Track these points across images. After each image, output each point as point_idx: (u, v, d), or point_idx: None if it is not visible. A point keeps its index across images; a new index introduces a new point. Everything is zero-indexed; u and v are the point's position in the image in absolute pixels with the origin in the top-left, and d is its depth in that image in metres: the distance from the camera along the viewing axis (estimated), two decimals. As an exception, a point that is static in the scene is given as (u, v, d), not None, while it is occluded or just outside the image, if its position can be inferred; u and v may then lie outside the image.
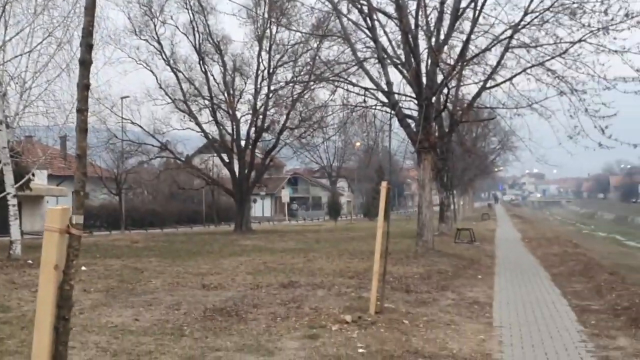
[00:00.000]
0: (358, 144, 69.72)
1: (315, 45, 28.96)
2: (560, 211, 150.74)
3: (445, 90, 21.24)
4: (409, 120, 21.14)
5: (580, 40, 18.20)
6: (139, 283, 13.61)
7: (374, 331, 8.74)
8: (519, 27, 18.87)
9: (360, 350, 7.68)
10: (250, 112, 40.15)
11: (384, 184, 10.40)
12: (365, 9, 20.47)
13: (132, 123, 38.28)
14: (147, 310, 10.30)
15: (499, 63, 20.15)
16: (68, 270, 3.24)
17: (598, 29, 17.72)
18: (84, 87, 3.15)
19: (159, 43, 38.22)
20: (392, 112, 20.49)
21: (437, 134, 24.06)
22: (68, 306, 3.30)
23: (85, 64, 3.20)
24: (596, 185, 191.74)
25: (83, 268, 15.89)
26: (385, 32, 21.17)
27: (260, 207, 72.97)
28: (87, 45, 3.14)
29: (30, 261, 16.56)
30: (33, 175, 23.26)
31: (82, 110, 3.15)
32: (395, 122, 21.37)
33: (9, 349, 7.58)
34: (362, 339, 8.29)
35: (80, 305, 10.42)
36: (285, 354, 7.44)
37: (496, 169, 75.60)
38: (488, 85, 21.07)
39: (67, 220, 3.14)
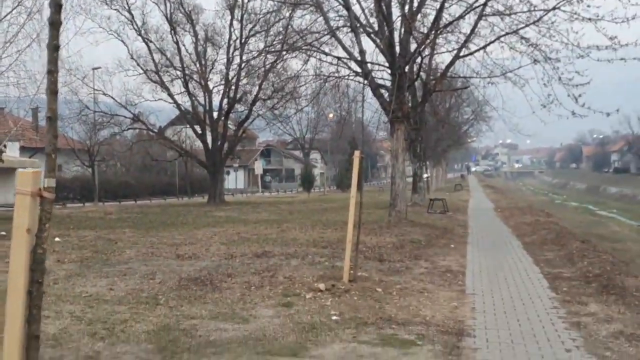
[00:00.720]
0: (331, 115, 69.53)
1: (287, 14, 28.70)
2: (532, 181, 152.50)
3: (418, 59, 21.26)
4: (382, 90, 21.12)
5: (554, 8, 18.22)
6: (113, 254, 13.58)
7: (348, 299, 8.81)
8: (493, -7, 18.87)
9: (334, 318, 7.75)
10: (223, 82, 39.91)
11: (357, 153, 10.41)
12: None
13: (104, 94, 37.92)
14: (121, 280, 10.29)
15: (472, 31, 20.17)
16: (40, 233, 3.21)
17: (572, -4, 17.78)
18: (53, 48, 3.10)
19: (130, 13, 37.69)
20: (365, 81, 20.46)
21: (410, 103, 24.09)
22: (41, 269, 3.27)
23: (55, 24, 3.14)
24: (569, 155, 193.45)
25: (57, 239, 15.78)
26: (358, 0, 21.10)
27: (234, 179, 72.74)
28: (57, 5, 3.09)
29: (3, 232, 16.38)
30: (5, 147, 22.92)
31: (52, 71, 3.10)
32: (369, 92, 21.36)
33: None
34: (336, 306, 8.36)
35: (54, 276, 10.37)
36: (260, 322, 7.48)
37: (469, 140, 75.97)
38: (462, 54, 21.09)
39: (39, 183, 3.10)
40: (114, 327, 7.14)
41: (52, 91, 3.11)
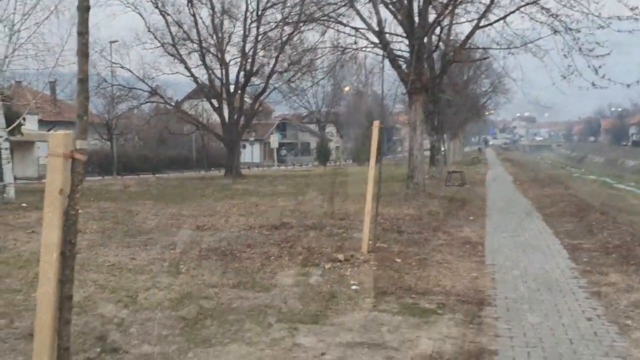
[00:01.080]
0: (347, 88, 69.18)
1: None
2: (550, 155, 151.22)
3: (437, 30, 21.06)
4: (401, 61, 20.98)
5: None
6: (133, 225, 13.69)
7: (367, 269, 8.84)
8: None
9: (354, 287, 7.80)
10: (239, 55, 39.76)
11: (375, 123, 10.38)
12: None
13: (122, 67, 37.95)
14: (142, 250, 10.38)
15: (492, 1, 19.90)
16: (73, 195, 3.25)
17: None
18: (84, 9, 3.11)
19: (147, -16, 37.51)
20: (384, 52, 20.31)
21: (428, 75, 23.90)
22: (74, 230, 3.32)
23: (85, -14, 3.15)
24: (587, 128, 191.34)
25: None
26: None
27: (250, 153, 72.76)
28: (86, -34, 3.10)
29: (24, 204, 16.57)
30: (24, 119, 23.08)
31: (82, 33, 3.12)
32: (386, 65, 21.21)
33: (8, 287, 7.66)
34: (355, 276, 8.40)
35: (77, 246, 10.48)
36: (280, 291, 7.54)
37: (487, 113, 75.44)
38: (481, 24, 20.82)
39: (71, 145, 3.13)
40: (137, 294, 7.23)
41: (83, 53, 3.13)
